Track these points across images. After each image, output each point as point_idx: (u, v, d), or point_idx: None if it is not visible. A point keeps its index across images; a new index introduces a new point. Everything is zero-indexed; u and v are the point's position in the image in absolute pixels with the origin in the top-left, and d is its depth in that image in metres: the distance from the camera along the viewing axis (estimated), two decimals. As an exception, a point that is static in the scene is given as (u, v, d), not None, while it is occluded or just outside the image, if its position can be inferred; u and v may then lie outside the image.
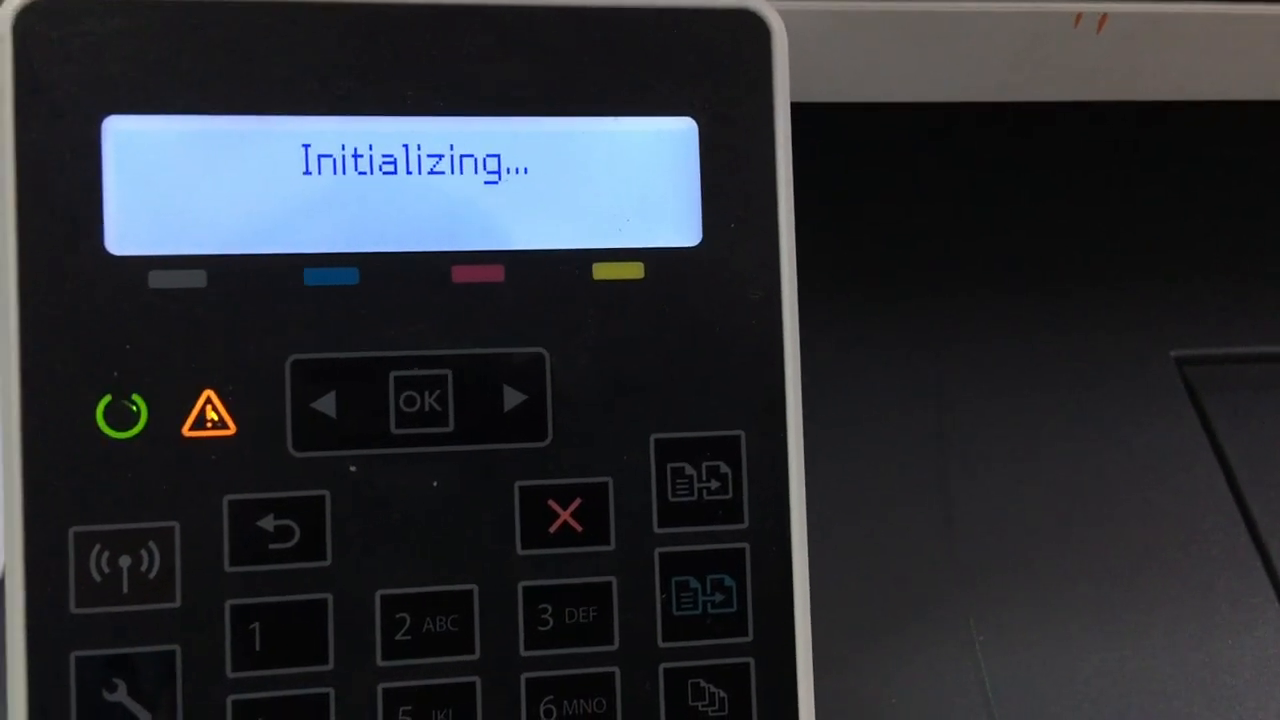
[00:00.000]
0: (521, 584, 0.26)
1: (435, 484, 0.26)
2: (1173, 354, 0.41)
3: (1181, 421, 0.40)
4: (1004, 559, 0.36)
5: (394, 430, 0.26)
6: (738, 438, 0.27)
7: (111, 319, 0.25)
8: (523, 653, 0.26)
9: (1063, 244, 0.42)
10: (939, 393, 0.39)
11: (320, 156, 0.26)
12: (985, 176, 0.42)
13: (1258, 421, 0.40)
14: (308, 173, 0.26)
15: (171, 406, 0.25)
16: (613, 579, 0.26)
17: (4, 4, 0.25)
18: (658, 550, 0.26)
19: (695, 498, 0.27)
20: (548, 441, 0.26)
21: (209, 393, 0.25)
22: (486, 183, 0.26)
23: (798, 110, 0.27)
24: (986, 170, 0.42)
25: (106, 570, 0.24)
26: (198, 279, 0.25)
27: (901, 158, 0.42)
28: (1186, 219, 0.43)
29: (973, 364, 0.40)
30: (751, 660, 0.26)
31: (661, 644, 0.26)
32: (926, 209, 0.41)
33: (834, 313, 0.39)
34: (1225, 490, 0.38)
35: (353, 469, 0.25)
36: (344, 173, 0.26)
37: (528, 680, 0.26)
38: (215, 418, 0.25)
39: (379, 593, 0.25)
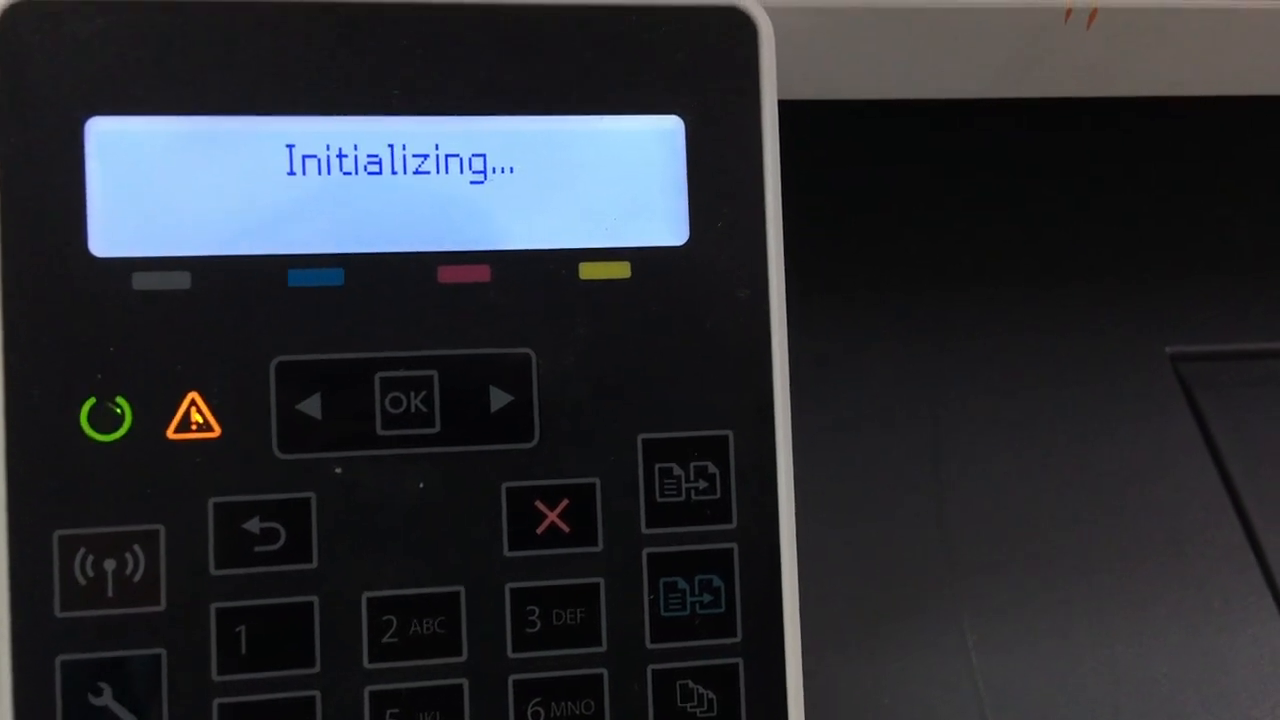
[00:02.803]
0: (509, 585, 0.26)
1: (422, 485, 0.25)
2: (1167, 350, 0.41)
3: (1176, 418, 0.39)
4: (997, 557, 0.36)
5: (380, 432, 0.26)
6: (726, 438, 0.27)
7: (95, 321, 0.25)
8: (510, 654, 0.26)
9: (1057, 240, 0.42)
10: (932, 390, 0.39)
11: (305, 157, 0.26)
12: (977, 174, 0.42)
13: (1252, 418, 0.40)
14: (292, 173, 0.26)
15: (156, 409, 0.25)
16: (600, 580, 0.26)
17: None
18: (646, 551, 0.26)
19: (683, 498, 0.26)
20: (535, 442, 0.26)
21: (193, 395, 0.25)
22: (472, 182, 0.26)
23: (785, 108, 0.27)
24: (978, 167, 0.42)
25: (91, 574, 0.24)
26: (182, 280, 0.25)
27: (891, 155, 0.41)
28: (1181, 215, 0.43)
29: (966, 361, 0.39)
30: (740, 661, 0.26)
31: (650, 645, 0.26)
32: (917, 206, 0.41)
33: (825, 311, 0.38)
34: (1219, 487, 0.38)
35: (338, 471, 0.25)
36: (329, 173, 0.26)
37: (515, 682, 0.26)
38: (200, 420, 0.25)
39: (365, 595, 0.25)
